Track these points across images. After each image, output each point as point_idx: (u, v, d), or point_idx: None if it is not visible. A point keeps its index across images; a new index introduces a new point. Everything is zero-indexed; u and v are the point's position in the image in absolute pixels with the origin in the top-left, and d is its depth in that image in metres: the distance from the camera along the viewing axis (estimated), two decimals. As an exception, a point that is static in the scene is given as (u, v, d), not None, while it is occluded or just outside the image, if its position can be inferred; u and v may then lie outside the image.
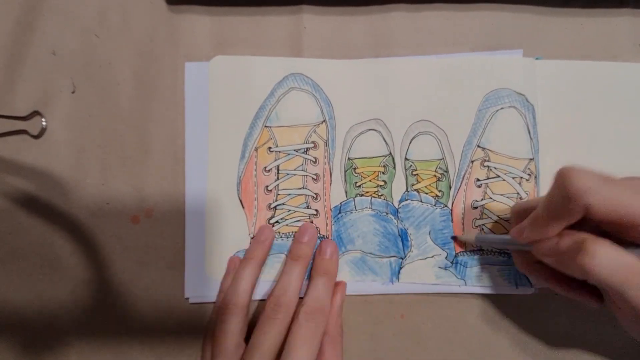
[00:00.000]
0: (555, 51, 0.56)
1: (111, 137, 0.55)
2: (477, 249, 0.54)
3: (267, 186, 0.54)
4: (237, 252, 0.54)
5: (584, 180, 0.37)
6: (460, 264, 0.54)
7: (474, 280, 0.54)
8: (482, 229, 0.54)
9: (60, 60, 0.55)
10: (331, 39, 0.56)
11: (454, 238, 0.54)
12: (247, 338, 0.49)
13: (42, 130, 0.54)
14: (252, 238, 0.54)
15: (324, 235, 0.54)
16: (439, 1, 0.56)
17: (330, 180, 0.55)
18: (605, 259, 0.36)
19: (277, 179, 0.54)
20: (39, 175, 0.54)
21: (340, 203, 0.55)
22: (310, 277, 0.52)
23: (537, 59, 0.55)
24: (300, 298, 0.50)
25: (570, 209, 0.38)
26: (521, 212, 0.47)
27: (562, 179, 0.38)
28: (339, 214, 0.54)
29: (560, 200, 0.38)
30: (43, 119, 0.54)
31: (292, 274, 0.51)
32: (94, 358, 0.53)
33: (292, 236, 0.54)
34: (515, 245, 0.47)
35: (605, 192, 0.36)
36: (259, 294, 0.54)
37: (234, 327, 0.48)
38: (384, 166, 0.55)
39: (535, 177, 0.54)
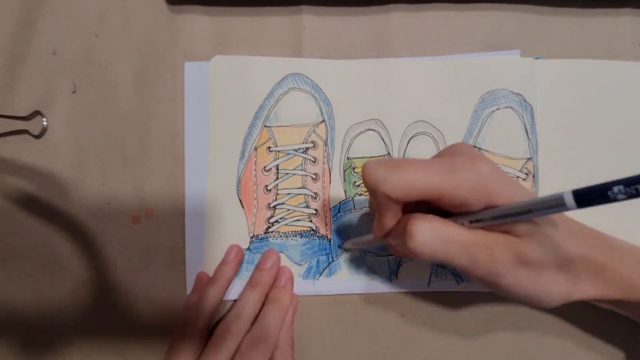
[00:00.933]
0: (555, 51, 0.56)
1: (112, 137, 0.55)
2: None
3: (266, 186, 0.54)
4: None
5: (375, 171, 0.37)
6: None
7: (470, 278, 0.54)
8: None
9: (60, 60, 0.55)
10: (331, 39, 0.56)
11: (340, 246, 0.55)
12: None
13: (43, 130, 0.54)
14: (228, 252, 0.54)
15: (323, 235, 0.54)
16: (439, 1, 0.56)
17: (330, 180, 0.55)
18: (422, 236, 0.37)
19: (277, 178, 0.54)
20: (39, 175, 0.54)
21: (340, 202, 0.55)
22: (263, 306, 0.52)
23: (536, 58, 0.55)
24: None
25: (380, 201, 0.38)
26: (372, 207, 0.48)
27: (362, 175, 0.39)
28: (338, 213, 0.55)
29: (370, 196, 0.40)
30: (44, 119, 0.54)
31: (248, 301, 0.51)
32: (95, 357, 0.53)
33: (291, 235, 0.54)
34: (376, 242, 0.48)
35: (394, 178, 0.37)
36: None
37: (189, 347, 0.49)
38: (382, 166, 0.55)
39: (534, 176, 0.54)
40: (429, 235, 0.37)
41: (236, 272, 0.54)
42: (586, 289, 0.41)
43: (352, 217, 0.55)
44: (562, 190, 0.30)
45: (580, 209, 0.30)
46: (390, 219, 0.40)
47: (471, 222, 0.38)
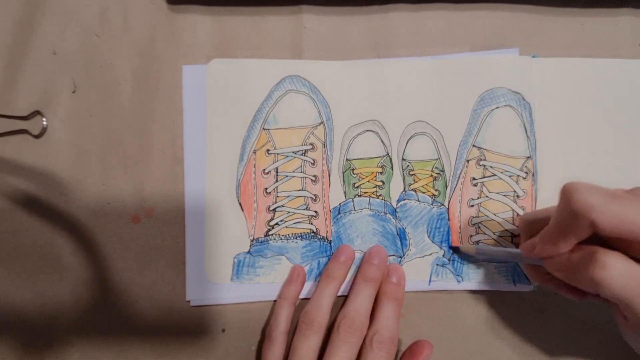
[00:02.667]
0: (555, 51, 0.56)
1: (112, 137, 0.55)
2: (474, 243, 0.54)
3: (266, 188, 0.54)
4: (237, 254, 0.54)
5: (588, 196, 0.36)
6: (458, 261, 0.54)
7: (471, 277, 0.54)
8: (477, 241, 0.55)
9: (61, 60, 0.55)
10: (331, 38, 0.56)
11: (455, 249, 0.55)
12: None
13: (43, 130, 0.54)
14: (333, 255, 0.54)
15: (323, 237, 0.55)
16: (439, 1, 0.56)
17: (329, 182, 0.55)
18: (617, 271, 0.37)
19: (276, 181, 0.54)
20: (39, 175, 0.54)
21: (339, 204, 0.55)
22: (378, 301, 0.52)
23: (533, 57, 0.55)
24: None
25: (578, 226, 0.38)
26: (530, 224, 0.47)
27: (567, 196, 0.38)
28: (338, 214, 0.55)
29: (567, 217, 0.38)
30: (44, 119, 0.54)
31: (365, 296, 0.51)
32: (95, 357, 0.53)
33: (292, 238, 0.54)
34: (523, 260, 0.47)
35: (611, 209, 0.36)
36: (256, 296, 0.54)
37: (314, 344, 0.49)
38: (381, 167, 0.55)
39: (533, 174, 0.54)
40: (623, 270, 0.37)
41: (301, 290, 0.54)
42: None
43: (352, 218, 0.55)
44: None
45: None
46: (568, 245, 0.40)
47: None
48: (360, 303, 0.50)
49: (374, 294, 0.52)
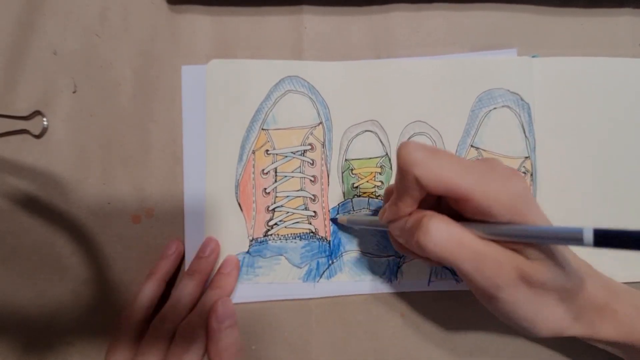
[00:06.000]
0: (555, 51, 0.56)
1: (112, 137, 0.55)
2: None
3: (265, 189, 0.54)
4: (237, 254, 0.54)
5: (412, 153, 0.37)
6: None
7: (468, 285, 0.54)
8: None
9: (61, 60, 0.55)
10: (332, 38, 0.56)
11: (333, 220, 0.55)
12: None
13: (44, 130, 0.54)
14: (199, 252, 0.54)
15: (322, 237, 0.55)
16: (438, 1, 0.56)
17: (328, 182, 0.55)
18: (437, 235, 0.37)
19: (275, 181, 0.54)
20: (40, 175, 0.54)
21: (339, 204, 0.55)
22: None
23: (533, 57, 0.55)
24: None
25: (407, 184, 0.38)
26: (388, 194, 0.47)
27: (397, 153, 0.38)
28: (337, 214, 0.55)
29: (399, 175, 0.39)
30: (44, 119, 0.54)
31: (184, 289, 0.51)
32: (95, 357, 0.54)
33: (291, 238, 0.54)
34: (380, 226, 0.46)
35: (432, 165, 0.36)
36: (256, 296, 0.54)
37: (126, 343, 0.48)
38: (380, 167, 0.55)
39: (532, 174, 0.54)
40: (445, 235, 0.37)
41: (175, 267, 0.54)
42: (584, 327, 0.41)
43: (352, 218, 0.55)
44: (581, 226, 0.31)
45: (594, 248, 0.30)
46: (407, 206, 0.40)
47: (486, 232, 0.37)
48: (178, 295, 0.50)
49: (199, 287, 0.52)
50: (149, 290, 0.51)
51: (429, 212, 0.39)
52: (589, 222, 0.53)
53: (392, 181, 0.55)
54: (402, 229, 0.41)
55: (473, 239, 0.37)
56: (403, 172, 0.38)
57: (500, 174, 0.37)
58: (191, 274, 0.52)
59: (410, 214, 0.40)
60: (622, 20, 0.56)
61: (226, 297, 0.52)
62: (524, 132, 0.54)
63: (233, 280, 0.53)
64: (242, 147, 0.55)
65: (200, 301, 0.51)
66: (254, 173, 0.55)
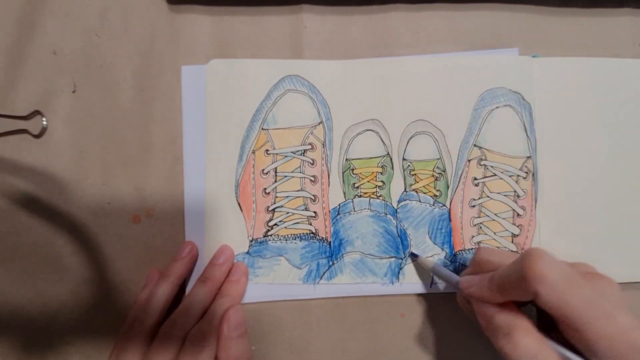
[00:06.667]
0: (555, 51, 0.56)
1: (112, 137, 0.55)
2: (475, 248, 0.54)
3: (265, 189, 0.54)
4: (237, 254, 0.54)
5: (545, 268, 0.37)
6: (460, 263, 0.54)
7: (472, 279, 0.54)
8: (478, 242, 0.55)
9: (61, 59, 0.55)
10: (332, 38, 0.56)
11: (413, 255, 0.54)
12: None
13: (43, 130, 0.54)
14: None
15: (323, 238, 0.55)
16: (438, 1, 0.56)
17: (329, 182, 0.55)
18: (525, 354, 0.37)
19: (275, 181, 0.54)
20: (39, 175, 0.54)
21: (339, 204, 0.55)
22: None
23: (533, 56, 0.55)
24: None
25: (521, 289, 0.38)
26: (480, 263, 0.46)
27: (527, 259, 0.38)
28: (337, 215, 0.55)
29: (515, 277, 0.39)
30: (44, 119, 0.54)
31: (196, 295, 0.50)
32: (96, 357, 0.54)
33: (291, 239, 0.54)
34: (459, 290, 0.47)
35: (559, 287, 0.36)
36: (255, 296, 0.54)
37: (136, 346, 0.48)
38: (382, 167, 0.55)
39: (533, 174, 0.54)
40: (531, 353, 0.37)
41: (189, 269, 0.54)
42: None
43: (352, 219, 0.55)
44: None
45: None
46: (502, 300, 0.41)
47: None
48: (190, 301, 0.50)
49: (211, 293, 0.51)
50: (162, 293, 0.50)
51: (522, 325, 0.39)
52: (589, 221, 0.53)
53: (394, 181, 0.55)
54: (487, 317, 0.42)
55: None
56: (526, 282, 0.37)
57: (623, 321, 0.36)
58: (204, 280, 0.52)
59: (501, 307, 0.41)
60: (622, 20, 0.56)
61: (237, 305, 0.51)
62: (526, 132, 0.54)
63: (242, 288, 0.53)
64: (242, 147, 0.55)
65: (210, 308, 0.50)
66: (253, 173, 0.54)
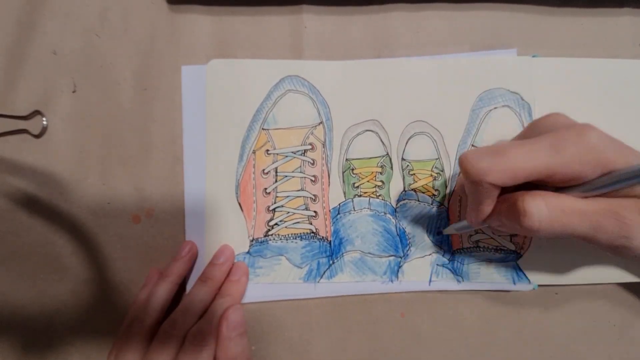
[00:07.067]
0: (555, 51, 0.56)
1: (112, 137, 0.55)
2: (473, 246, 0.54)
3: (265, 189, 0.54)
4: (237, 254, 0.54)
5: (477, 162, 0.38)
6: (458, 261, 0.54)
7: (471, 277, 0.54)
8: (477, 240, 0.55)
9: (61, 59, 0.55)
10: (332, 38, 0.56)
11: (439, 232, 0.55)
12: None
13: (43, 130, 0.54)
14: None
15: (323, 237, 0.55)
16: (438, 1, 0.56)
17: (329, 182, 0.55)
18: (539, 212, 0.38)
19: (276, 181, 0.54)
20: (39, 175, 0.54)
21: (339, 204, 0.55)
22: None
23: (533, 57, 0.55)
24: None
25: (484, 191, 0.39)
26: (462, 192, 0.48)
27: (461, 167, 0.39)
28: (337, 215, 0.55)
29: (472, 187, 0.40)
30: (44, 119, 0.54)
31: (196, 295, 0.51)
32: (96, 357, 0.54)
33: (291, 238, 0.54)
34: (473, 228, 0.48)
35: (501, 166, 0.37)
36: (256, 296, 0.54)
37: (135, 346, 0.48)
38: (381, 166, 0.55)
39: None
40: (546, 210, 0.37)
41: (189, 268, 0.54)
42: None
43: (352, 218, 0.55)
44: None
45: None
46: (490, 205, 0.41)
47: (585, 191, 0.38)
48: (190, 301, 0.50)
49: (211, 293, 0.51)
50: (162, 292, 0.50)
51: (522, 194, 0.39)
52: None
53: (393, 181, 0.55)
54: (500, 222, 0.42)
55: (577, 203, 0.38)
56: (476, 183, 0.38)
57: (569, 136, 0.37)
58: (204, 280, 0.52)
59: (498, 202, 0.41)
60: (622, 20, 0.56)
61: (237, 305, 0.51)
62: (525, 132, 0.54)
63: (242, 287, 0.53)
64: (243, 147, 0.55)
65: (210, 308, 0.50)
66: (254, 173, 0.55)
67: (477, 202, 0.41)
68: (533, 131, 0.43)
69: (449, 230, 0.53)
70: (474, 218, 0.44)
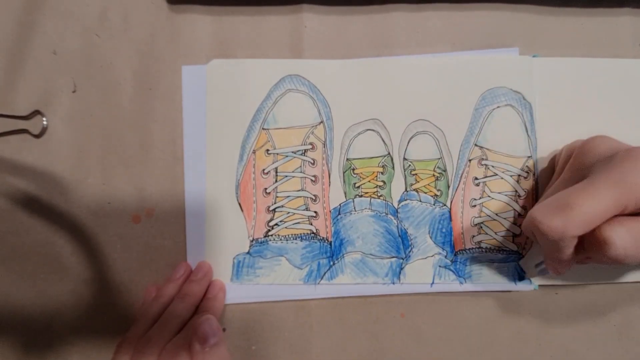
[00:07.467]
0: (555, 51, 0.56)
1: (112, 137, 0.55)
2: (475, 247, 0.54)
3: (265, 189, 0.54)
4: (237, 254, 0.54)
5: (551, 224, 0.38)
6: (460, 262, 0.54)
7: (473, 278, 0.54)
8: (479, 241, 0.55)
9: (61, 59, 0.55)
10: (332, 38, 0.56)
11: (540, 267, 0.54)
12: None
13: (43, 130, 0.54)
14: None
15: (324, 238, 0.54)
16: (439, 1, 0.56)
17: (329, 182, 0.55)
18: (624, 240, 0.37)
19: (276, 181, 0.54)
20: (40, 175, 0.54)
21: (340, 204, 0.55)
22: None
23: (534, 56, 0.55)
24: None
25: (562, 245, 0.40)
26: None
27: (535, 229, 0.40)
28: (338, 215, 0.54)
29: (548, 242, 0.40)
30: (44, 119, 0.54)
31: (174, 311, 0.50)
32: (96, 357, 0.54)
33: (292, 239, 0.54)
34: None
35: (575, 222, 0.37)
36: (256, 296, 0.54)
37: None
38: (382, 166, 0.55)
39: (534, 174, 0.54)
40: (629, 236, 0.37)
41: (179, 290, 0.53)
42: None
43: (353, 218, 0.54)
44: None
45: None
46: (571, 250, 0.41)
47: None
48: (168, 317, 0.49)
49: (189, 309, 0.50)
50: (153, 311, 0.50)
51: (602, 227, 0.39)
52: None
53: (395, 181, 0.55)
54: (585, 259, 0.43)
55: None
56: (556, 242, 0.39)
57: (627, 165, 0.38)
58: (182, 297, 0.51)
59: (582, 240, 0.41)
60: (622, 20, 0.56)
61: (209, 315, 0.48)
62: (527, 132, 0.54)
63: (219, 304, 0.53)
64: (243, 147, 0.55)
65: (187, 324, 0.49)
66: (254, 173, 0.54)
67: (557, 253, 0.42)
68: (582, 161, 0.44)
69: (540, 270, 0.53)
70: (559, 269, 0.45)
